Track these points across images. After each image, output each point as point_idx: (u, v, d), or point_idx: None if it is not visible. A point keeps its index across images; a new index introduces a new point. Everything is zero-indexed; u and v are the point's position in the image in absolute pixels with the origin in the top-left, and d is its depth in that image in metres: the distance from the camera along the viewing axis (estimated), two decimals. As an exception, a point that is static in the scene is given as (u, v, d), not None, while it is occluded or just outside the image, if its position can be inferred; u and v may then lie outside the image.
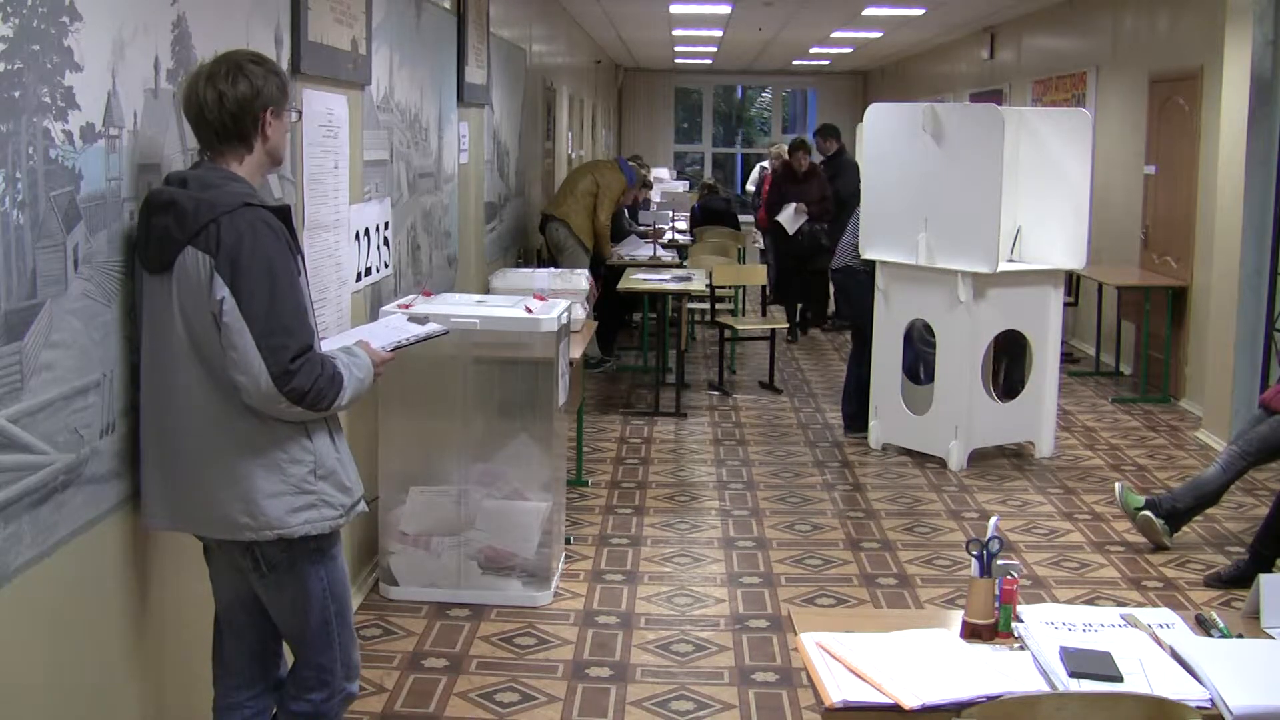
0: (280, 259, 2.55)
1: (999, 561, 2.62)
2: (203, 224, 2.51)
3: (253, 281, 2.50)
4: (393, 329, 3.14)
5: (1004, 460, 6.78)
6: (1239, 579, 4.82)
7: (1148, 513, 5.36)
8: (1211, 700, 2.28)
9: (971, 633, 2.58)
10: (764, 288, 10.34)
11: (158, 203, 2.58)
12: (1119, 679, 2.35)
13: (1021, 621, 2.62)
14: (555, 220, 8.96)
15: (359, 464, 2.89)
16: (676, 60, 20.72)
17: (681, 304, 8.34)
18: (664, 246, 10.56)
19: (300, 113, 2.80)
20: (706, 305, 10.31)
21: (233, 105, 2.60)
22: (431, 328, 3.20)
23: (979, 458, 6.76)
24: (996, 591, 2.59)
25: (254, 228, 2.53)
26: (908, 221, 6.69)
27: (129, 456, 2.70)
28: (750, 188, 15.44)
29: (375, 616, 4.52)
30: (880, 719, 2.29)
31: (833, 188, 10.72)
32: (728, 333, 9.12)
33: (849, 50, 17.92)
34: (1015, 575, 2.61)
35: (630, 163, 9.91)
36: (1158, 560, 5.30)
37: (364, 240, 4.67)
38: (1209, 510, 5.98)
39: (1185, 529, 5.70)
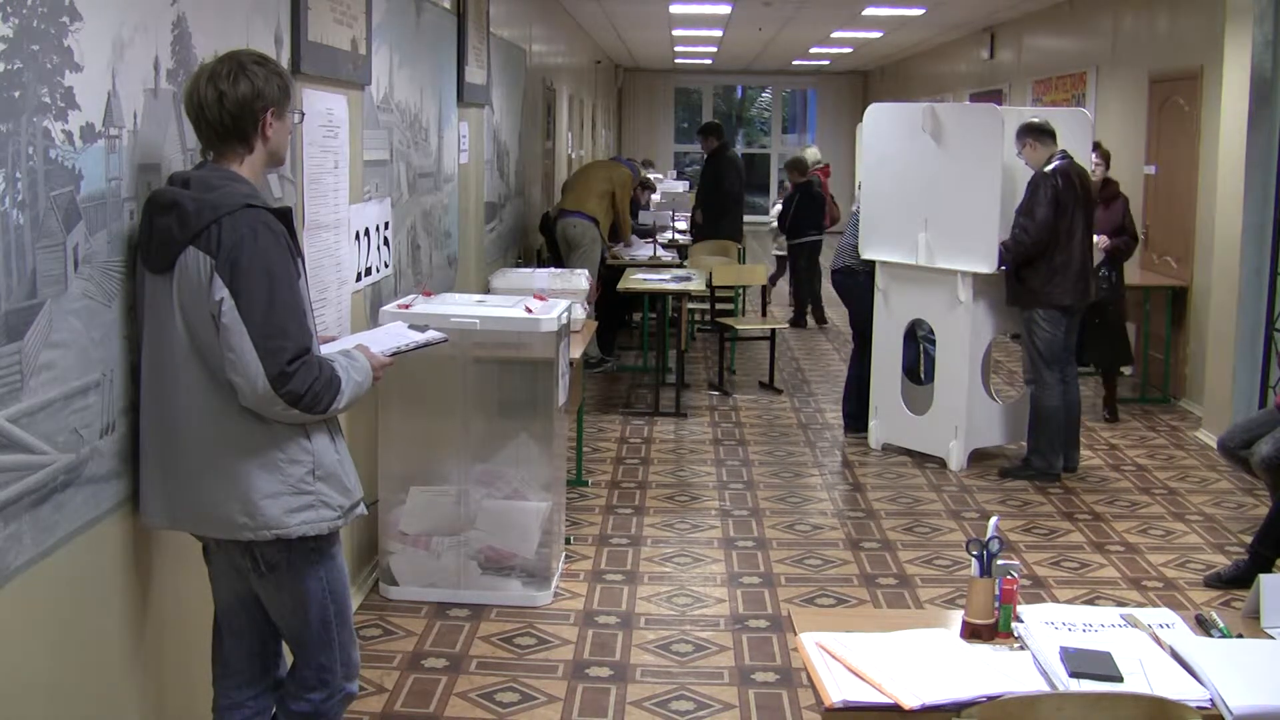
0: (280, 261, 2.55)
1: (999, 561, 2.62)
2: (204, 225, 2.51)
3: (252, 283, 2.50)
4: (393, 335, 3.14)
5: (1004, 460, 6.78)
6: (1239, 579, 4.82)
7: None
8: (1211, 700, 2.29)
9: (971, 633, 2.58)
10: (764, 287, 10.34)
11: (160, 203, 2.58)
12: (1119, 679, 2.35)
13: (1021, 621, 2.62)
14: (578, 215, 8.94)
15: (359, 464, 2.89)
16: (676, 60, 20.74)
17: (682, 304, 8.34)
18: (664, 246, 10.58)
19: (303, 115, 2.80)
20: (706, 305, 10.34)
21: (233, 105, 2.60)
22: (431, 335, 3.20)
23: (979, 458, 6.76)
24: (996, 591, 2.59)
25: (255, 230, 2.53)
26: (908, 221, 6.70)
27: (129, 456, 2.70)
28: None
29: (375, 616, 4.52)
30: (880, 719, 2.29)
31: (714, 184, 10.80)
32: (727, 333, 9.13)
33: (849, 50, 17.93)
34: (1015, 575, 2.61)
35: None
36: (1158, 560, 5.30)
37: (364, 240, 4.67)
38: (1210, 510, 6.01)
39: (1184, 528, 5.72)
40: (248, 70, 2.63)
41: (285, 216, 2.64)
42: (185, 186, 2.59)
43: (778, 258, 12.81)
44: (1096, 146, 7.71)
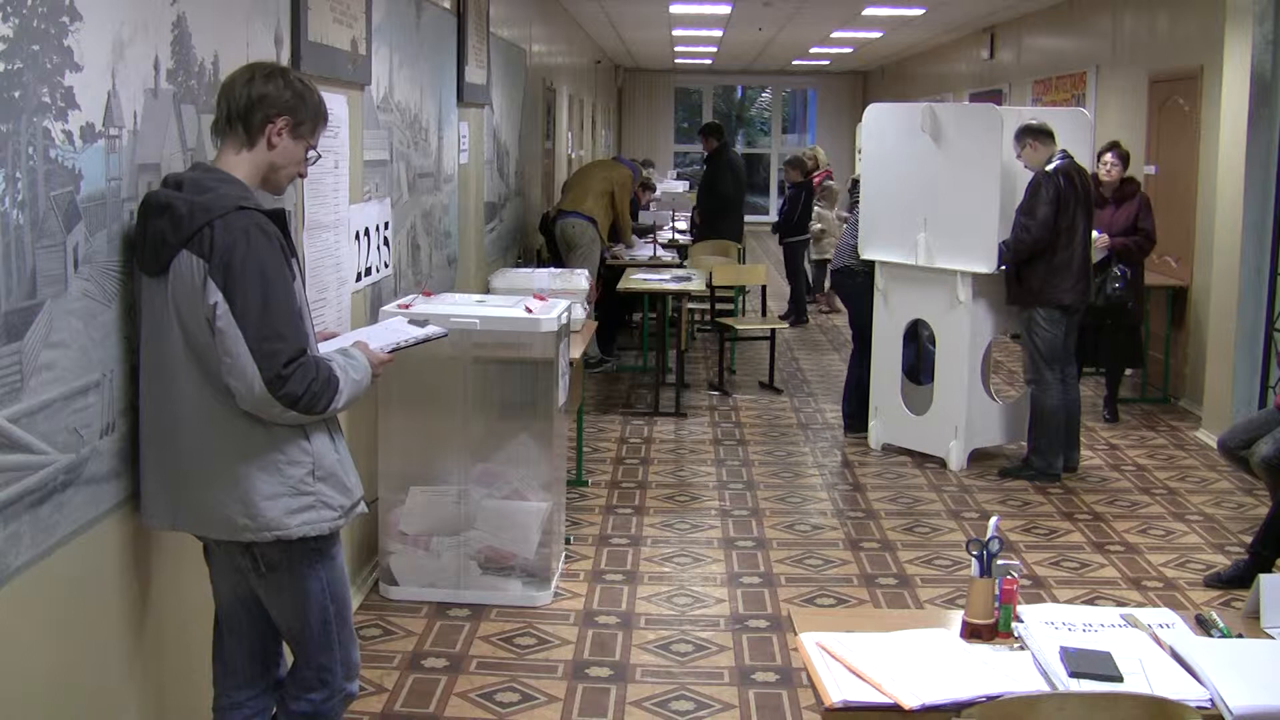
0: (273, 264, 2.55)
1: (999, 561, 2.62)
2: (197, 228, 2.51)
3: (246, 287, 2.50)
4: (392, 331, 3.14)
5: (1004, 460, 6.78)
6: (1239, 579, 4.82)
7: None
8: (1211, 700, 2.29)
9: (971, 633, 2.58)
10: (764, 286, 10.35)
11: (154, 205, 2.58)
12: (1119, 679, 2.35)
13: (1021, 621, 2.62)
14: (576, 215, 8.91)
15: (359, 464, 2.89)
16: (676, 60, 20.73)
17: (681, 304, 8.34)
18: (664, 246, 10.58)
19: (319, 155, 2.82)
20: (706, 305, 10.34)
21: (256, 93, 2.63)
22: (430, 330, 3.20)
23: (979, 458, 6.76)
24: (996, 591, 2.59)
25: (247, 232, 2.52)
26: (907, 221, 6.70)
27: (129, 456, 2.70)
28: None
29: (375, 616, 4.52)
30: (880, 719, 2.29)
31: (714, 184, 10.81)
32: (727, 333, 9.13)
33: (849, 50, 17.92)
34: (1015, 575, 2.61)
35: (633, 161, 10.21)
36: (1158, 560, 5.30)
37: (364, 240, 4.67)
38: (1210, 510, 6.01)
39: (1184, 528, 5.72)
40: (288, 76, 2.68)
41: (279, 218, 2.64)
42: (178, 189, 2.59)
43: (815, 262, 12.70)
44: (1115, 146, 7.71)
